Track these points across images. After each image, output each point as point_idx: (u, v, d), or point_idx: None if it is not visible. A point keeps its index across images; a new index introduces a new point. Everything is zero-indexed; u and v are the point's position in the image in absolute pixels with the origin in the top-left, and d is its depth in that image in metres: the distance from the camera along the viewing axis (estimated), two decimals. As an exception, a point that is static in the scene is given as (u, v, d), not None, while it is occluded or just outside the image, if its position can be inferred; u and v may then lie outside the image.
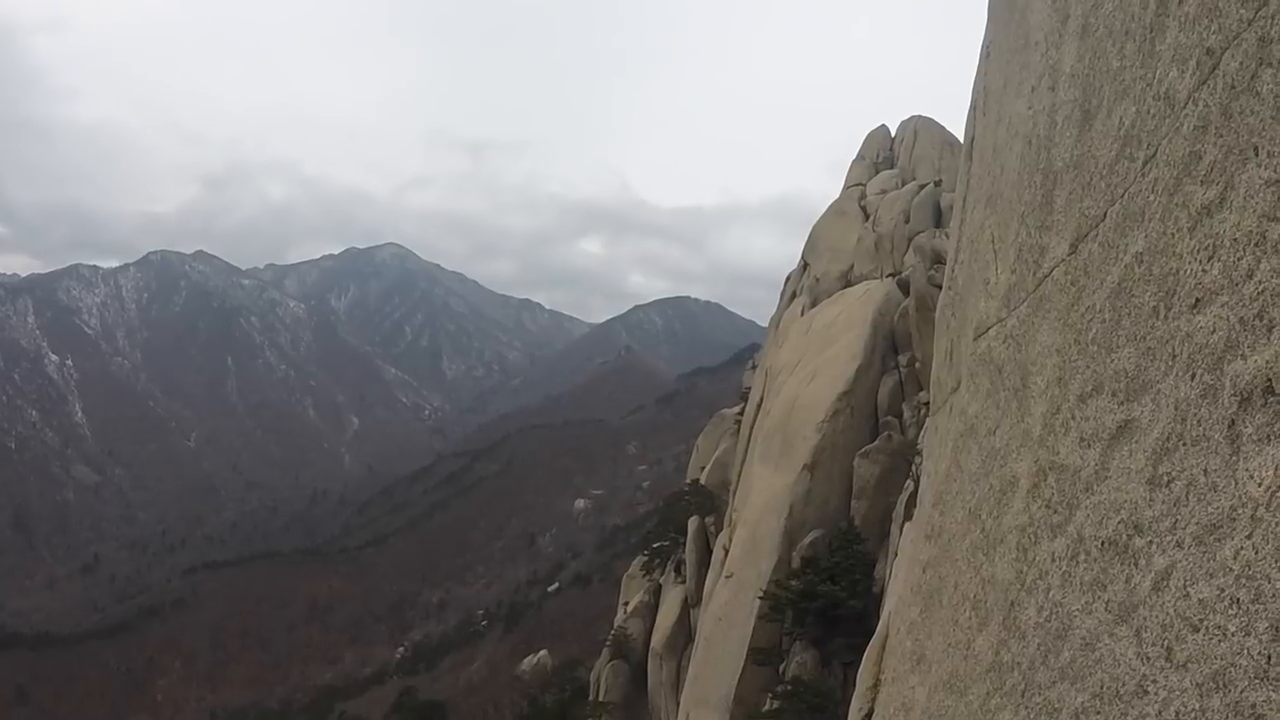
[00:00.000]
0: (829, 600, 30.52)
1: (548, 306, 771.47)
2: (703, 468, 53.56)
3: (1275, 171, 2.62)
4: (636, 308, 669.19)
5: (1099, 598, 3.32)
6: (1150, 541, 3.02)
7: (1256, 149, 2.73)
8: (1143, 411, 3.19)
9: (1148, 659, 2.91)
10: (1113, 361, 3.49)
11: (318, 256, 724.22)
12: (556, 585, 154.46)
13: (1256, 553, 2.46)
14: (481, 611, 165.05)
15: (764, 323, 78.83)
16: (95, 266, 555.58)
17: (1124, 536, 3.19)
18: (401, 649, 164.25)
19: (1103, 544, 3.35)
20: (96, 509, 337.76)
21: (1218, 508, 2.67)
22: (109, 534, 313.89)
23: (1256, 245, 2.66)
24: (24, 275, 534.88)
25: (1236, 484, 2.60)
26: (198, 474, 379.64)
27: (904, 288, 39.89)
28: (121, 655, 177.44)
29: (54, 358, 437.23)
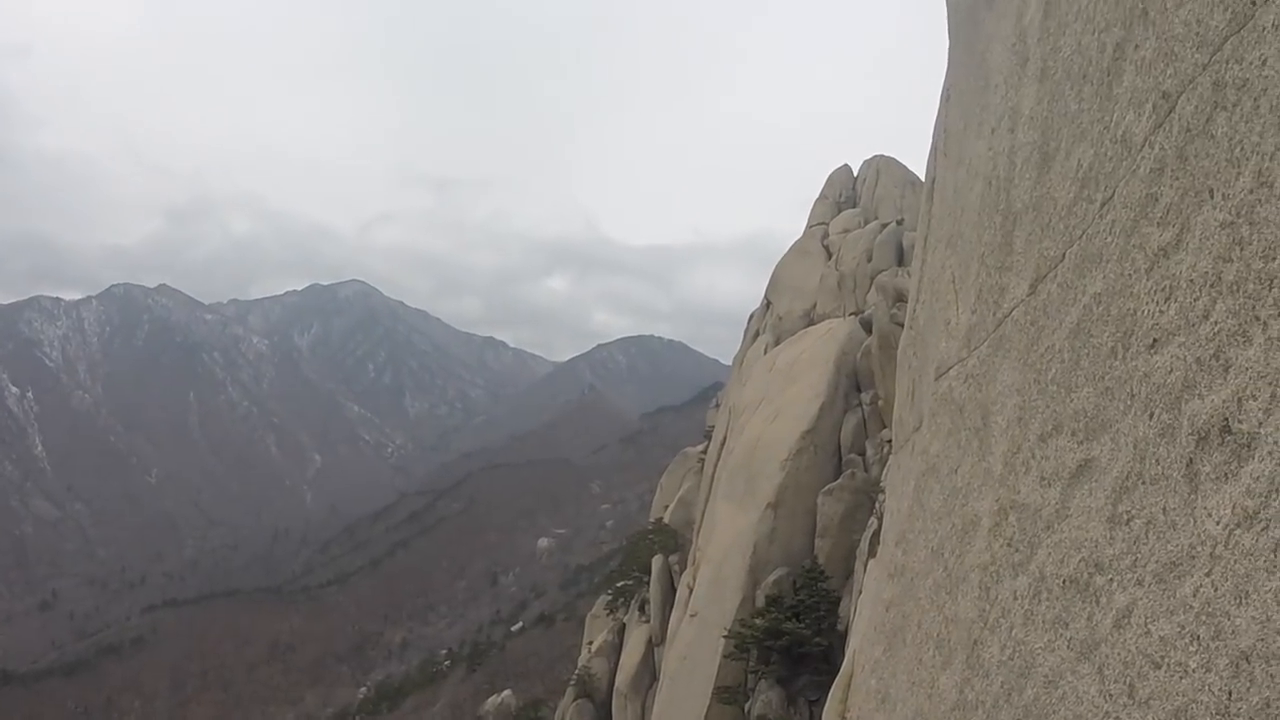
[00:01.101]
0: (794, 638, 30.44)
1: (512, 345, 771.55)
2: (666, 506, 53.48)
3: (1230, 214, 2.66)
4: (600, 346, 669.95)
5: (1061, 635, 3.33)
6: (1111, 579, 3.03)
7: (1212, 191, 2.77)
8: (1102, 451, 3.22)
9: (1110, 696, 2.92)
10: (1072, 401, 3.51)
11: (281, 292, 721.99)
12: (520, 625, 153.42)
13: (1216, 590, 2.48)
14: (444, 651, 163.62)
15: (728, 361, 78.98)
16: (57, 298, 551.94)
17: (1085, 574, 3.21)
18: (364, 689, 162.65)
19: (1064, 582, 3.37)
20: (55, 544, 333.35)
21: (1177, 545, 2.69)
22: (68, 570, 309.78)
23: (1212, 286, 2.70)
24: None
25: (1195, 522, 2.62)
26: (158, 510, 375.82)
27: (866, 326, 40.04)
28: (80, 694, 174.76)
29: (14, 390, 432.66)
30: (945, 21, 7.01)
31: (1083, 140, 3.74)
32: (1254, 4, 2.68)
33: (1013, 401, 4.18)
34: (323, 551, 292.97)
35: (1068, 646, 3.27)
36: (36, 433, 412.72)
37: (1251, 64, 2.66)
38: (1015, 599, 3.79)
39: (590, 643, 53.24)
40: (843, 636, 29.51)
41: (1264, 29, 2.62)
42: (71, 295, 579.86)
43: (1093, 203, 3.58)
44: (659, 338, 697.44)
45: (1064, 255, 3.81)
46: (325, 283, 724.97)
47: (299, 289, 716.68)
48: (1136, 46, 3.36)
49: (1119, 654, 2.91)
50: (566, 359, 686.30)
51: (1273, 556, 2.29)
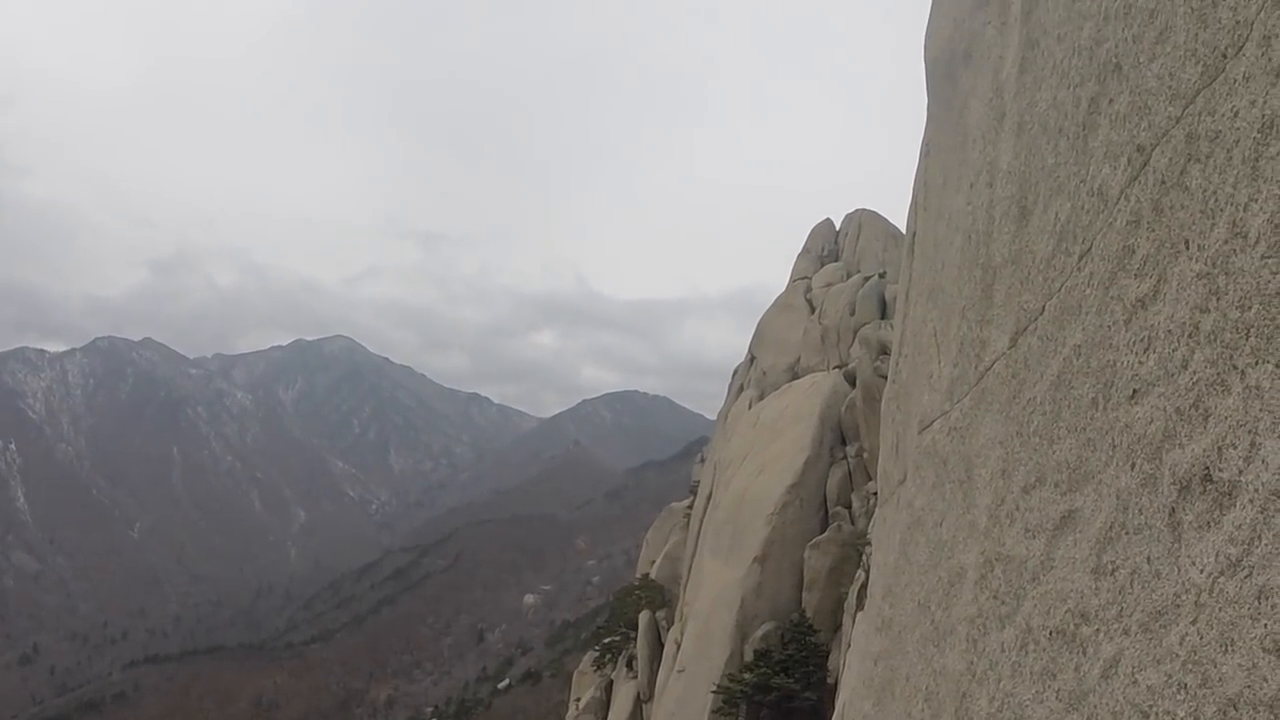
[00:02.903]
0: (783, 693, 30.27)
1: (498, 400, 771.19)
2: (653, 561, 53.26)
3: (1206, 264, 2.68)
4: (584, 402, 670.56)
5: (1049, 687, 3.33)
6: (1097, 629, 3.03)
7: (1187, 243, 2.80)
8: (1085, 501, 3.23)
9: (1097, 748, 2.92)
10: (1055, 453, 3.53)
11: (266, 347, 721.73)
12: (507, 682, 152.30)
13: (1201, 638, 2.48)
14: (430, 709, 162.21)
15: (712, 416, 78.96)
16: (42, 350, 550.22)
17: (1071, 625, 3.21)
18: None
19: (1051, 633, 3.37)
20: (36, 598, 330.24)
21: (1162, 594, 2.70)
22: (49, 624, 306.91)
23: (1190, 336, 2.72)
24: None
25: (1179, 571, 2.63)
26: (141, 565, 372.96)
27: (850, 379, 40.11)
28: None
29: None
30: (924, 78, 7.10)
31: (1060, 194, 3.78)
32: (1225, 57, 2.72)
33: (996, 454, 4.19)
34: (307, 608, 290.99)
35: (1056, 698, 3.26)
36: (19, 485, 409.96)
37: (1224, 116, 2.70)
38: (1003, 651, 3.79)
39: (577, 699, 52.82)
40: (832, 690, 29.36)
41: (1235, 81, 2.66)
42: (54, 346, 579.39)
43: (1071, 255, 3.62)
44: (644, 393, 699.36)
45: (1043, 308, 3.84)
46: (310, 338, 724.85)
47: (284, 344, 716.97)
48: (1111, 100, 3.40)
49: (1107, 704, 2.90)
50: (552, 414, 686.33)
51: (1257, 604, 2.30)
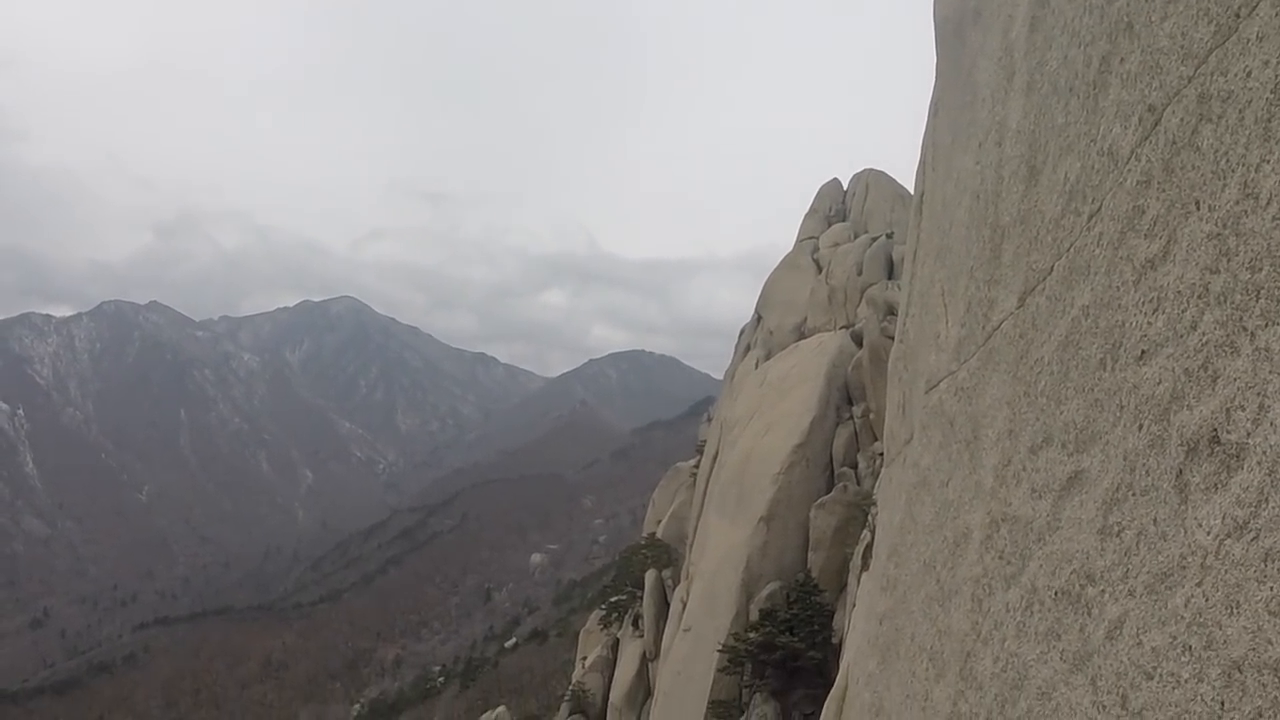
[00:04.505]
0: (788, 652, 30.42)
1: (506, 360, 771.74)
2: (659, 521, 53.42)
3: (1216, 225, 2.66)
4: (591, 361, 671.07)
5: (1054, 647, 3.33)
6: (1103, 591, 3.03)
7: (1198, 203, 2.78)
8: (1092, 462, 3.22)
9: (1104, 707, 2.92)
10: (1062, 413, 3.52)
11: (272, 309, 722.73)
12: (513, 640, 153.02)
13: (1207, 600, 2.48)
14: (438, 668, 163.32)
15: (719, 376, 79.03)
16: (48, 315, 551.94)
17: (1077, 586, 3.21)
18: (357, 707, 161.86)
19: (1056, 594, 3.37)
20: (46, 562, 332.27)
21: (1168, 556, 2.69)
22: (59, 588, 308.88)
23: (1199, 297, 2.70)
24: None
25: (1186, 533, 2.62)
26: (150, 528, 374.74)
27: (857, 339, 40.09)
28: (71, 712, 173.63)
29: (4, 407, 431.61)
30: (933, 37, 7.04)
31: (1070, 153, 3.75)
32: (1238, 16, 2.69)
33: (1003, 414, 4.18)
34: (315, 568, 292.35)
35: (1060, 658, 3.27)
36: (27, 450, 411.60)
37: (1236, 76, 2.67)
38: (1007, 611, 3.79)
39: (584, 658, 53.16)
40: (837, 650, 29.50)
41: (1248, 41, 2.63)
42: (58, 311, 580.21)
43: (1080, 215, 3.59)
44: (651, 353, 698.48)
45: (1052, 268, 3.81)
46: (317, 299, 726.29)
47: (290, 305, 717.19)
48: (1122, 60, 3.37)
49: (1111, 665, 2.91)
50: (558, 374, 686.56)
51: (1263, 566, 2.29)
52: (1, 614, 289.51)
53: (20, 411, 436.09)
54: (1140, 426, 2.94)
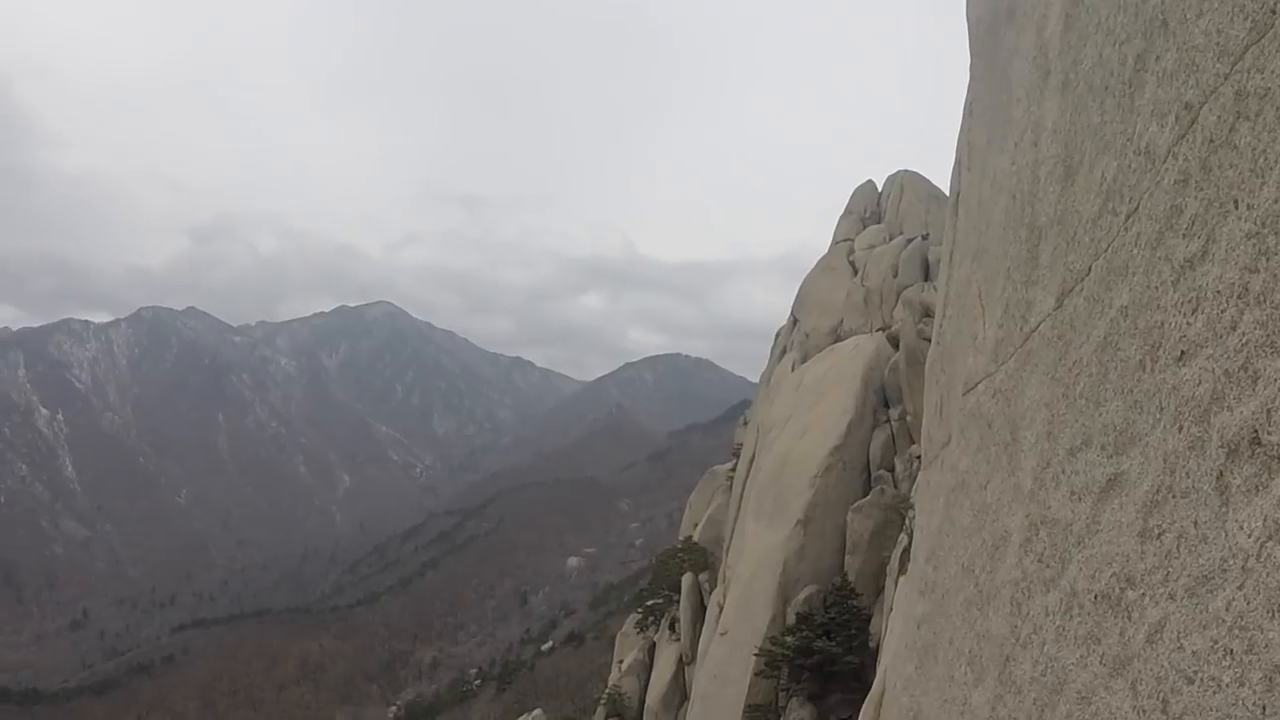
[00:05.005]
0: (824, 656, 30.35)
1: (542, 364, 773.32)
2: (696, 524, 53.42)
3: (1255, 224, 2.64)
4: (627, 365, 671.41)
5: (1093, 651, 3.30)
6: (1143, 594, 3.01)
7: (1236, 202, 2.75)
8: (1132, 464, 3.20)
9: (1144, 712, 2.90)
10: (1101, 415, 3.49)
11: (309, 314, 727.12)
12: (550, 644, 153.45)
13: (1248, 603, 2.45)
14: (474, 670, 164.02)
15: (755, 379, 78.84)
16: (87, 321, 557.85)
17: (1117, 589, 3.19)
18: (394, 709, 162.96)
19: (1096, 597, 3.34)
20: (86, 565, 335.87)
21: (1209, 559, 2.67)
22: (98, 590, 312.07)
23: (1239, 297, 2.68)
24: (14, 329, 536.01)
25: (1226, 535, 2.60)
26: (188, 531, 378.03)
27: (893, 342, 39.97)
28: (110, 713, 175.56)
29: (44, 412, 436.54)
30: (967, 37, 7.01)
31: (1106, 153, 3.72)
32: (1274, 13, 2.67)
33: (1041, 416, 4.15)
34: (352, 571, 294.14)
35: (1100, 662, 3.24)
36: (66, 454, 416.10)
37: (1273, 73, 2.64)
38: (1047, 615, 3.77)
39: (620, 661, 53.17)
40: (874, 654, 29.41)
41: (1287, 38, 2.61)
42: (96, 316, 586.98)
43: (1117, 215, 3.56)
44: (687, 356, 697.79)
45: (1090, 268, 3.78)
46: (353, 304, 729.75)
47: (326, 310, 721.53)
48: (1158, 57, 3.34)
49: (1152, 669, 2.88)
50: (595, 378, 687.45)
51: (1305, 569, 2.27)
52: (41, 615, 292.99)
53: (60, 416, 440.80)
54: (1180, 428, 2.91)
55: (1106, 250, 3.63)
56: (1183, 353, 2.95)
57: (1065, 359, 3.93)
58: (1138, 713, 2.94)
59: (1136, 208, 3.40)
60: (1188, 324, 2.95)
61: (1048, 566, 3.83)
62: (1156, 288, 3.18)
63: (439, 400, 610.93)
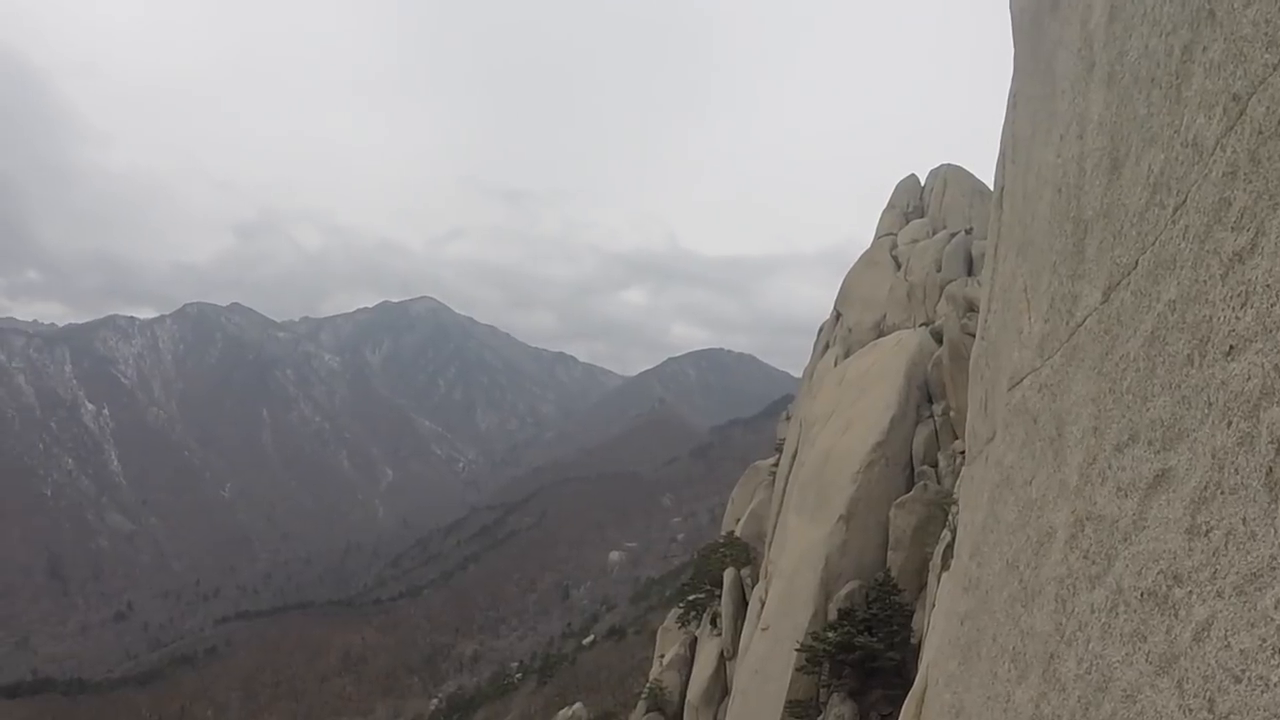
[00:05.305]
0: (866, 652, 30.24)
1: (584, 359, 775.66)
2: (738, 519, 53.32)
3: (1307, 217, 2.61)
4: (670, 360, 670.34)
5: (1139, 649, 3.28)
6: (1190, 591, 2.98)
7: (1287, 195, 2.72)
8: (1179, 460, 3.16)
9: (1190, 711, 2.87)
10: (1148, 410, 3.46)
11: (352, 309, 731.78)
12: (591, 638, 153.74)
13: (1298, 602, 2.43)
14: (516, 664, 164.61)
15: (798, 374, 78.73)
16: (132, 317, 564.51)
17: (1163, 587, 3.16)
18: (435, 701, 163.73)
19: (1142, 595, 3.31)
20: (130, 557, 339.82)
21: (1257, 556, 2.64)
22: (143, 582, 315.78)
23: (1290, 291, 2.65)
24: (61, 325, 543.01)
25: (1276, 532, 2.57)
26: (232, 524, 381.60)
27: (937, 337, 39.75)
28: (153, 703, 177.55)
29: (90, 407, 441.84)
30: (1010, 28, 6.97)
31: (1153, 145, 3.69)
32: (1328, 2, 2.63)
33: (1088, 411, 4.12)
34: (394, 565, 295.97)
35: (1146, 660, 3.21)
36: (112, 448, 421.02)
37: (1326, 64, 2.61)
38: (1092, 612, 3.74)
39: (661, 656, 53.21)
40: (915, 650, 29.29)
41: (1339, 28, 2.57)
42: (142, 312, 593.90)
43: (1165, 208, 3.53)
44: (729, 351, 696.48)
45: (1137, 262, 3.75)
46: (396, 299, 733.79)
47: (370, 306, 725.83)
48: (1204, 48, 3.30)
49: (1198, 668, 2.86)
50: (637, 373, 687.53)
51: (1357, 567, 2.24)
52: (87, 607, 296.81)
53: (106, 411, 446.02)
54: (1229, 424, 2.88)
55: (1154, 244, 3.59)
56: (1231, 347, 2.92)
57: (1112, 354, 3.90)
58: (1184, 712, 2.91)
59: (1184, 200, 3.37)
60: (1236, 318, 2.91)
61: (1093, 563, 3.80)
62: (1205, 281, 3.15)
63: (481, 395, 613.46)
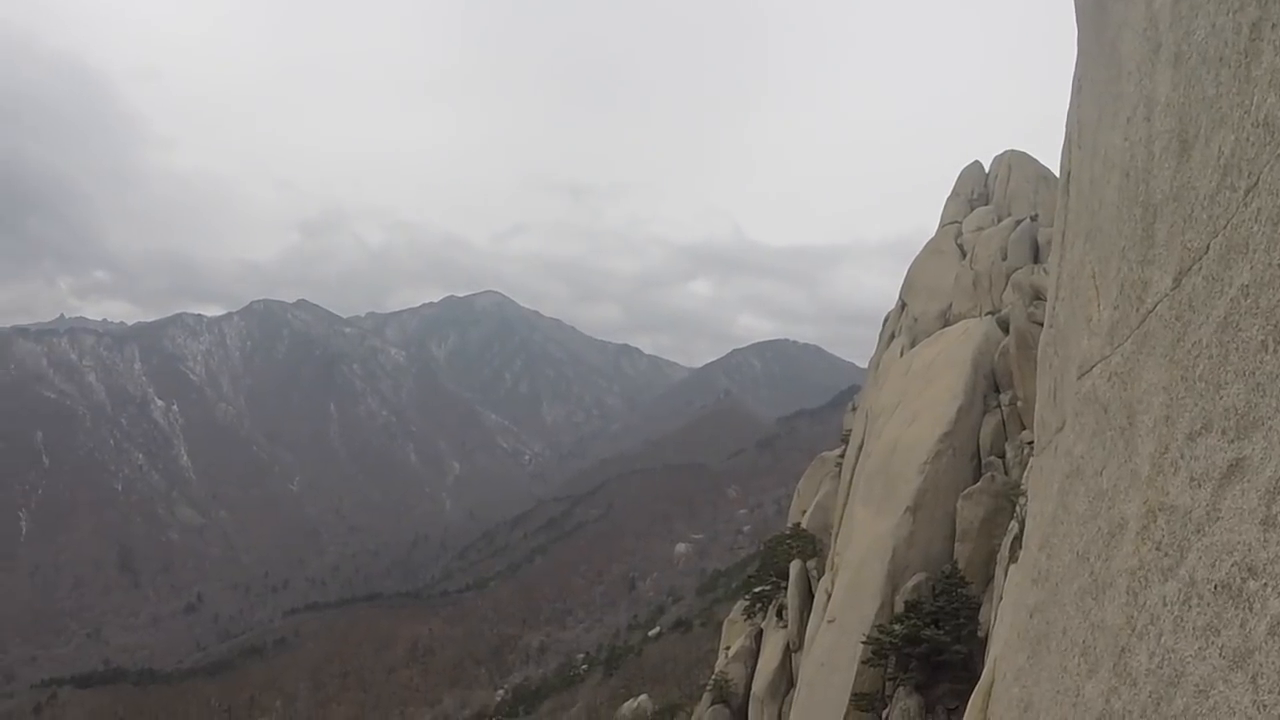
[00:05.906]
0: (933, 645, 30.05)
1: (649, 351, 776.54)
2: (804, 511, 53.20)
3: (1386, 198, 2.53)
4: (735, 351, 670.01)
5: (1213, 643, 3.21)
6: (1265, 584, 2.91)
7: (1365, 175, 2.64)
8: (1254, 449, 3.09)
9: (1264, 707, 2.81)
10: (1222, 398, 3.38)
11: (418, 304, 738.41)
12: (657, 629, 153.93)
13: (1378, 596, 2.36)
14: (581, 655, 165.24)
15: (863, 364, 78.45)
16: (200, 315, 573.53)
17: (1238, 579, 3.09)
18: (501, 692, 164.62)
19: (1216, 587, 3.25)
20: (200, 550, 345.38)
21: (1336, 549, 2.57)
22: (212, 575, 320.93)
23: (1369, 274, 2.57)
24: (130, 323, 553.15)
25: (1355, 524, 2.50)
26: (300, 517, 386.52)
27: (1003, 325, 39.39)
28: (223, 693, 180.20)
29: (160, 403, 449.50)
30: (1073, 11, 6.87)
31: (1222, 126, 3.61)
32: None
33: (1159, 400, 4.05)
34: (461, 557, 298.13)
35: (1219, 654, 3.15)
36: (182, 444, 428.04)
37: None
38: (1164, 605, 3.67)
39: (727, 648, 53.22)
40: (982, 643, 29.06)
41: None
42: (209, 310, 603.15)
43: (1236, 190, 3.45)
44: (794, 341, 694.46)
45: (1208, 246, 3.67)
46: (461, 294, 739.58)
47: (435, 301, 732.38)
48: (1274, 25, 3.22)
49: (1274, 663, 2.79)
50: (702, 365, 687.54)
51: None
52: (157, 599, 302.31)
53: (175, 407, 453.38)
54: (1306, 411, 2.81)
55: (1225, 227, 3.52)
56: (1308, 333, 2.85)
57: (1184, 340, 3.83)
58: (1258, 707, 2.85)
59: (1256, 182, 3.29)
60: (1313, 303, 2.84)
61: (1166, 555, 3.73)
62: (1278, 265, 3.07)
63: (547, 388, 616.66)
